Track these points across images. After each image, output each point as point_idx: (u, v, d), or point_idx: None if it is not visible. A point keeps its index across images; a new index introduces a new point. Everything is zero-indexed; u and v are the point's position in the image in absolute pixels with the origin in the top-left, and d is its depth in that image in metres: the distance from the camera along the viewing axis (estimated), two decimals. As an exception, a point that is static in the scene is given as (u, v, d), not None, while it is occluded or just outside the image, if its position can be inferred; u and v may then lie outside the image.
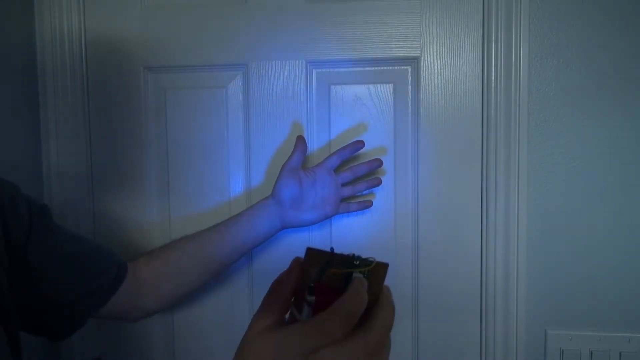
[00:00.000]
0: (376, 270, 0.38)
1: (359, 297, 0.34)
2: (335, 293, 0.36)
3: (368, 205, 0.78)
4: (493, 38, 0.77)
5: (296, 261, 0.38)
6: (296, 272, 0.37)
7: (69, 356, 0.87)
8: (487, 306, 0.80)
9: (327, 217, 0.75)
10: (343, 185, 0.76)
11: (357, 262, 0.37)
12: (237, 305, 0.85)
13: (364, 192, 0.80)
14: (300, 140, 0.74)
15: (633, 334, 0.78)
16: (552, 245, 0.79)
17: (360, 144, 0.76)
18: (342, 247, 0.83)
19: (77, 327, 0.60)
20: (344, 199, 0.77)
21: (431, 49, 0.79)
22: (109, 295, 0.60)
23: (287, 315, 0.37)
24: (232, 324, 0.85)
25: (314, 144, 0.82)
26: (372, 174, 0.78)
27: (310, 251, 0.38)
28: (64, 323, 0.58)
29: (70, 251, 0.58)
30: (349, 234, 0.82)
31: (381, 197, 0.81)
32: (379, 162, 0.77)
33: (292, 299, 0.37)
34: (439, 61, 0.79)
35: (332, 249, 0.38)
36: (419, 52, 0.79)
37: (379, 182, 0.78)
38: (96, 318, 0.61)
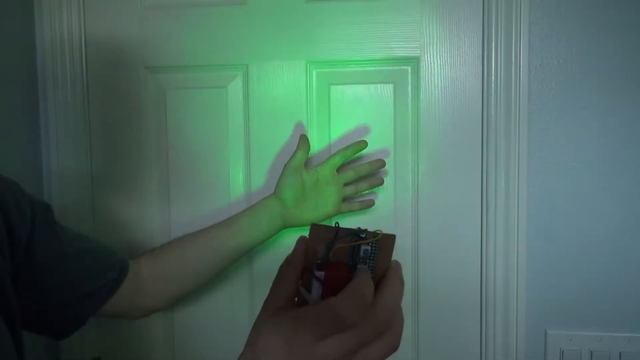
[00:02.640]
0: (384, 243, 0.37)
1: (367, 283, 0.34)
2: (343, 268, 0.35)
3: (370, 204, 0.78)
4: (493, 38, 0.77)
5: (301, 240, 0.38)
6: (302, 251, 0.37)
7: (69, 356, 0.87)
8: (487, 306, 0.80)
9: (329, 217, 0.75)
10: (345, 184, 0.76)
11: (364, 235, 0.36)
12: (237, 305, 0.85)
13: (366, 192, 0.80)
14: (303, 139, 0.74)
15: (633, 334, 0.78)
16: (552, 245, 0.79)
17: (363, 144, 0.76)
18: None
19: (79, 326, 0.60)
20: (346, 198, 0.77)
21: (431, 49, 0.79)
22: (111, 294, 0.60)
23: (297, 298, 0.37)
24: (232, 323, 0.85)
25: (314, 144, 0.81)
26: (374, 173, 0.78)
27: (314, 228, 0.37)
28: (66, 321, 0.58)
29: (73, 250, 0.58)
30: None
31: (381, 197, 0.81)
32: (382, 163, 0.77)
33: (300, 280, 0.37)
34: (439, 61, 0.79)
35: (337, 223, 0.37)
36: (419, 52, 0.79)
37: (381, 182, 0.78)
38: (97, 316, 0.61)
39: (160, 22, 0.83)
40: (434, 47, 0.79)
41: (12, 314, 0.47)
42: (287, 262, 0.37)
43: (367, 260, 0.37)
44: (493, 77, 0.77)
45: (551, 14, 0.76)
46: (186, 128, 0.84)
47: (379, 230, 0.37)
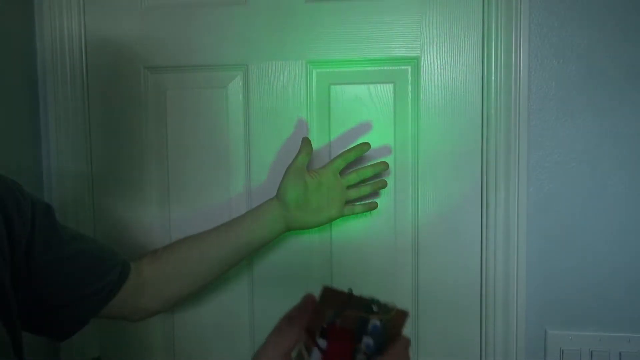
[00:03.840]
0: (395, 319, 0.35)
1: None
2: (349, 340, 0.33)
3: (373, 206, 0.78)
4: (493, 38, 0.77)
5: (309, 298, 0.37)
6: (309, 311, 0.36)
7: (69, 356, 0.87)
8: (487, 306, 0.80)
9: (332, 220, 0.75)
10: (348, 187, 0.75)
11: (376, 308, 0.34)
12: (238, 306, 0.85)
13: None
14: (306, 142, 0.74)
15: (633, 334, 0.78)
16: (552, 245, 0.79)
17: (365, 146, 0.76)
18: (342, 248, 0.83)
19: (80, 327, 0.60)
20: (349, 201, 0.77)
21: (431, 49, 0.79)
22: (111, 295, 0.60)
23: (294, 353, 0.35)
24: (233, 325, 0.85)
25: (314, 144, 0.81)
26: (377, 176, 0.78)
27: (326, 291, 0.36)
28: (66, 323, 0.58)
29: (73, 251, 0.58)
30: (349, 235, 0.81)
31: (381, 197, 0.81)
32: (385, 165, 0.77)
33: (304, 339, 0.35)
34: (439, 61, 0.79)
35: (350, 290, 0.36)
36: (419, 52, 0.79)
37: (385, 185, 0.78)
38: (98, 318, 0.61)
39: (160, 22, 0.83)
40: (434, 47, 0.79)
41: (11, 314, 0.47)
42: (290, 318, 0.36)
43: (376, 335, 0.34)
44: (493, 77, 0.77)
45: (551, 14, 0.76)
46: (186, 128, 0.84)
47: (393, 304, 0.35)
